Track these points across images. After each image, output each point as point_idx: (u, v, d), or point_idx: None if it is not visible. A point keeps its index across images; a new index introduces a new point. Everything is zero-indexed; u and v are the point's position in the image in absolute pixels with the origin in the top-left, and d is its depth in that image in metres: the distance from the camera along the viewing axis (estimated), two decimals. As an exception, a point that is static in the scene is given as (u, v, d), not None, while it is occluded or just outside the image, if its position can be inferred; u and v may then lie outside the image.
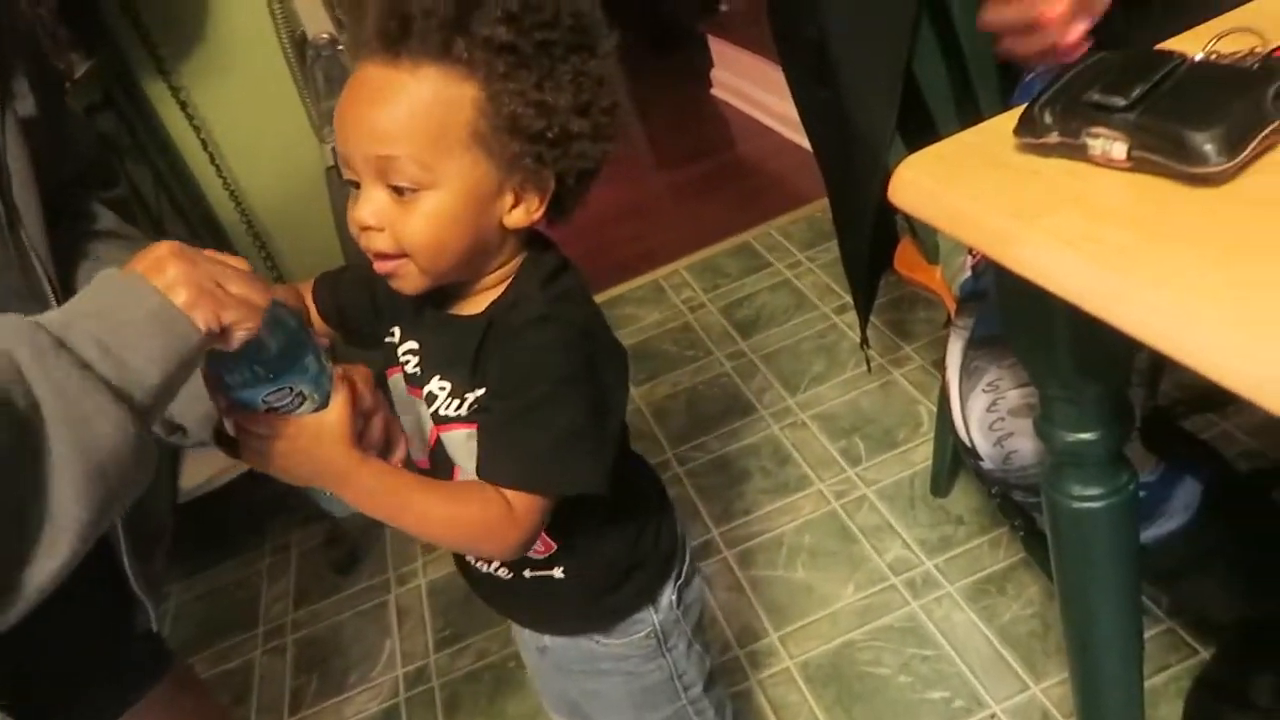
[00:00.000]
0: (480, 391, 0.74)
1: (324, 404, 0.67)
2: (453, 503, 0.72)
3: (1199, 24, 0.68)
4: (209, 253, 0.61)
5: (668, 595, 0.88)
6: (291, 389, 0.65)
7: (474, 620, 1.65)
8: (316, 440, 0.67)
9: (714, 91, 3.45)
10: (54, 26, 1.82)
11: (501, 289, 0.75)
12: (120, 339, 0.53)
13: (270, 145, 2.25)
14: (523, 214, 0.71)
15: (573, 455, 0.72)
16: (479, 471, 0.73)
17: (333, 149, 1.83)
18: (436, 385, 0.77)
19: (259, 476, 0.71)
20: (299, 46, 2.04)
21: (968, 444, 0.98)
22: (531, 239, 0.76)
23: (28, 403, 0.48)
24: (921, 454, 1.64)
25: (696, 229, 2.59)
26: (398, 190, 0.68)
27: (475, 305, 0.76)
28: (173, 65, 2.13)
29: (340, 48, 1.87)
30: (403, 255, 0.70)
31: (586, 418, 0.71)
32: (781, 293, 2.21)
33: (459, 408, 0.76)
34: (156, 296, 0.55)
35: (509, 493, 0.71)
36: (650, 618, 0.88)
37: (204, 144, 2.20)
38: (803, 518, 1.61)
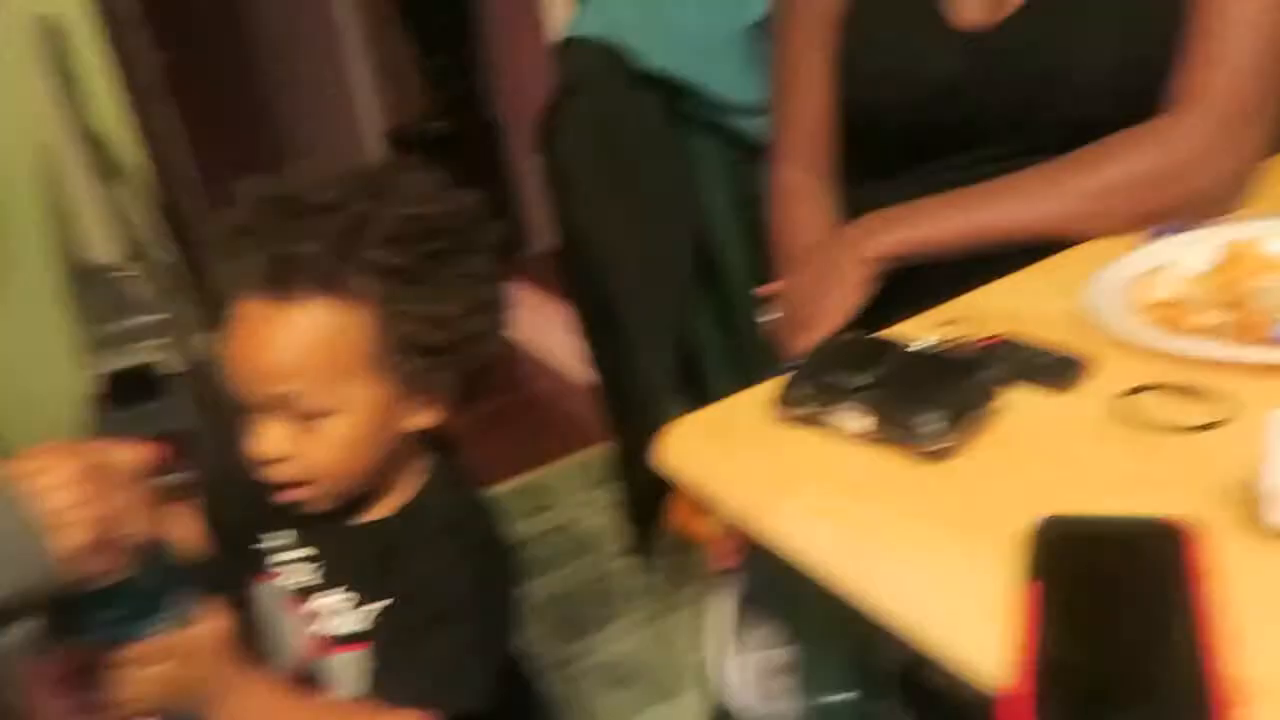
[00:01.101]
0: (387, 601, 0.72)
1: (197, 619, 0.64)
2: None
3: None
4: (97, 451, 0.56)
5: None
6: (180, 610, 0.62)
7: None
8: (212, 653, 0.62)
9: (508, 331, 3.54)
10: None
11: (411, 493, 0.74)
12: None
13: (32, 369, 2.08)
14: (427, 418, 0.72)
15: (467, 672, 0.70)
16: (374, 690, 0.70)
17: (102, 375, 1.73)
18: (341, 597, 0.74)
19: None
20: (79, 270, 1.96)
21: (737, 701, 0.97)
22: (436, 437, 0.75)
23: None
24: (700, 704, 1.61)
25: (482, 466, 2.57)
26: (299, 417, 0.66)
27: (382, 510, 0.74)
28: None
29: (122, 274, 1.82)
30: (310, 481, 0.69)
31: (480, 633, 0.71)
32: (563, 535, 2.19)
33: (363, 620, 0.73)
34: (14, 519, 0.49)
35: (404, 714, 0.68)
36: None
37: (-43, 361, 2.01)
38: (576, 779, 1.52)
